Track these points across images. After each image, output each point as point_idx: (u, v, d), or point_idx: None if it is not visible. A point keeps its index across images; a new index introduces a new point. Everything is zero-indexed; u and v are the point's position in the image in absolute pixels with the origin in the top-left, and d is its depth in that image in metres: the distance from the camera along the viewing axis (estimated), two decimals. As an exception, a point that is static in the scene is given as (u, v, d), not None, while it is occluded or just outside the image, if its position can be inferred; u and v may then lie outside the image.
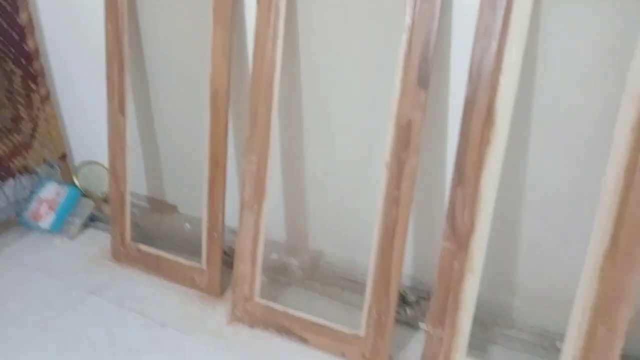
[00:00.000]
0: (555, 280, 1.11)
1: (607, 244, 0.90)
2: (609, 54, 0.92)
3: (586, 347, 0.94)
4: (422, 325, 1.18)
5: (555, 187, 1.06)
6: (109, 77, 1.38)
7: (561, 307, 0.98)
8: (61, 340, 1.22)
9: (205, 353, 1.18)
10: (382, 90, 1.05)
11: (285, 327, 1.21)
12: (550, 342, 1.10)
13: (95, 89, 1.48)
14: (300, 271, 1.36)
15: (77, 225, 1.61)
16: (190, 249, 1.42)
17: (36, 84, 1.60)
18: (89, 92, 1.56)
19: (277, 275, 1.37)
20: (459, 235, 1.00)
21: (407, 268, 1.28)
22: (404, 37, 0.99)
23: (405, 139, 1.02)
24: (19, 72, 1.55)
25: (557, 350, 0.99)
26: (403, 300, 1.23)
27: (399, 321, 1.18)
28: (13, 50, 1.52)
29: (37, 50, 1.57)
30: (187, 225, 1.50)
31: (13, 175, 1.61)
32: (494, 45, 0.93)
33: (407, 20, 0.98)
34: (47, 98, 1.63)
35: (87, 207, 1.65)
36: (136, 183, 1.53)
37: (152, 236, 1.52)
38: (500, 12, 0.91)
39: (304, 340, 1.19)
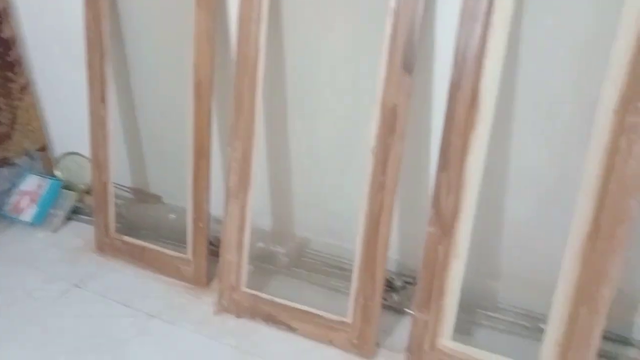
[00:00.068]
0: (539, 263, 1.12)
1: (589, 226, 0.92)
2: (592, 36, 0.93)
3: (569, 328, 0.96)
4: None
5: (538, 171, 1.07)
6: (89, 66, 1.36)
7: (544, 289, 0.99)
8: (45, 332, 1.21)
9: (192, 343, 1.17)
10: (368, 75, 1.04)
11: (272, 316, 1.21)
12: (533, 324, 1.12)
13: (75, 78, 1.45)
14: (287, 259, 1.35)
15: (59, 218, 1.59)
16: (176, 239, 1.41)
17: (14, 73, 1.56)
18: (70, 82, 1.53)
19: (264, 264, 1.37)
20: (444, 220, 1.01)
21: (393, 253, 1.28)
22: (389, 21, 0.98)
23: (391, 124, 1.02)
24: (-5, 61, 1.51)
25: (541, 332, 1.00)
26: (389, 285, 1.23)
27: (385, 307, 1.18)
28: (-11, 39, 1.49)
29: (14, 39, 1.53)
30: (172, 215, 1.49)
31: (-8, 168, 1.58)
32: (478, 29, 0.92)
33: (392, 3, 0.97)
34: (26, 88, 1.60)
35: (70, 199, 1.62)
36: (119, 174, 1.50)
37: (136, 227, 1.50)
38: (485, -4, 0.91)
39: (291, 329, 1.19)
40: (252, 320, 1.23)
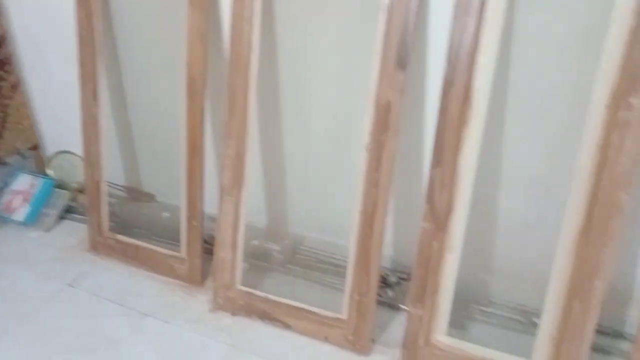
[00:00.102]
0: (532, 258, 1.13)
1: (582, 220, 0.92)
2: (584, 32, 0.94)
3: (562, 321, 0.96)
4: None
5: (531, 166, 1.07)
6: (81, 64, 1.35)
7: (538, 284, 1.00)
8: (39, 332, 1.20)
9: (187, 341, 1.17)
10: (361, 72, 1.04)
11: (267, 313, 1.21)
12: (527, 318, 1.12)
13: (67, 76, 1.43)
14: (281, 256, 1.35)
15: (52, 217, 1.58)
16: (170, 237, 1.40)
17: (4, 71, 1.54)
18: (61, 80, 1.51)
19: (258, 261, 1.37)
20: (438, 216, 1.01)
21: (388, 250, 1.29)
22: (382, 17, 0.98)
23: (385, 121, 1.02)
24: (-15, 59, 1.50)
25: (535, 326, 1.01)
26: (384, 281, 1.24)
27: (380, 303, 1.18)
28: (-22, 37, 1.47)
29: (4, 36, 1.52)
30: (166, 213, 1.48)
31: (-17, 167, 1.57)
32: (471, 25, 0.93)
33: (386, 0, 0.97)
34: (16, 86, 1.58)
35: (63, 198, 1.61)
36: (112, 172, 1.49)
37: (130, 226, 1.50)
38: (477, -9, 0.91)
39: (286, 326, 1.19)
40: (247, 317, 1.23)
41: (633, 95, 0.85)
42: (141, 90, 1.44)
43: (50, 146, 1.70)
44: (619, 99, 0.86)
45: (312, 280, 1.32)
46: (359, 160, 1.05)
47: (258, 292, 1.23)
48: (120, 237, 1.43)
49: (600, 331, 1.05)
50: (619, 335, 1.10)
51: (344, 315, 1.13)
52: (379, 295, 1.14)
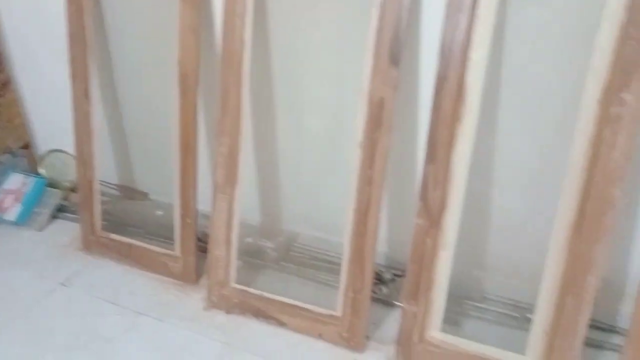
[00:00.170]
0: (526, 254, 1.13)
1: (574, 216, 0.93)
2: (576, 27, 0.94)
3: (555, 317, 0.97)
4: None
5: (525, 162, 1.08)
6: (72, 61, 1.33)
7: (532, 279, 1.00)
8: (33, 331, 1.19)
9: (181, 339, 1.17)
10: (354, 69, 1.04)
11: (262, 311, 1.21)
12: (521, 314, 1.13)
13: (58, 74, 1.42)
14: (276, 254, 1.35)
15: (45, 216, 1.56)
16: (164, 236, 1.39)
17: (-5, 69, 1.53)
18: (52, 77, 1.50)
19: (253, 259, 1.36)
20: (431, 212, 1.01)
21: (382, 246, 1.29)
22: (375, 13, 0.98)
23: (378, 118, 1.02)
24: (-25, 56, 1.49)
25: (529, 321, 1.01)
26: (379, 278, 1.24)
27: (375, 299, 1.18)
28: (-32, 34, 1.45)
29: (-6, 34, 1.50)
30: (159, 212, 1.47)
31: (-26, 166, 1.55)
32: (464, 20, 0.92)
33: (378, -5, 0.97)
34: (7, 84, 1.56)
35: (55, 197, 1.60)
36: (105, 170, 1.48)
37: (123, 224, 1.49)
38: (470, -13, 0.91)
39: (281, 323, 1.19)
40: (241, 315, 1.22)
41: (625, 91, 0.86)
42: (133, 88, 1.42)
43: (42, 145, 1.68)
44: (611, 95, 0.87)
45: (306, 277, 1.32)
46: (352, 157, 1.05)
47: (252, 290, 1.22)
48: (113, 235, 1.42)
49: (593, 326, 1.05)
50: (611, 329, 1.11)
51: (338, 312, 1.13)
52: (374, 292, 1.15)
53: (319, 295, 1.21)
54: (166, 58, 1.21)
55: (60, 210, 1.60)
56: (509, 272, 1.17)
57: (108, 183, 1.56)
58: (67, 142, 1.47)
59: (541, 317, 0.99)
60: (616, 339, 1.09)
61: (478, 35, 0.93)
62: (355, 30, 1.06)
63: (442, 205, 1.00)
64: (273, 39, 1.17)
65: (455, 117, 0.96)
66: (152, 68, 1.36)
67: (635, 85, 0.85)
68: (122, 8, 1.33)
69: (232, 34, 1.11)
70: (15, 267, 1.40)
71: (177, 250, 1.32)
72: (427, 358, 1.07)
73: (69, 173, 1.58)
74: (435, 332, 1.06)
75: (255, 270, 1.35)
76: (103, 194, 1.47)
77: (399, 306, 1.09)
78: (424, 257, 1.03)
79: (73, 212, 1.57)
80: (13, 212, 1.55)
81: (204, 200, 1.26)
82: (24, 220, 1.55)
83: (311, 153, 1.27)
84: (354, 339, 1.12)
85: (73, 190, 1.59)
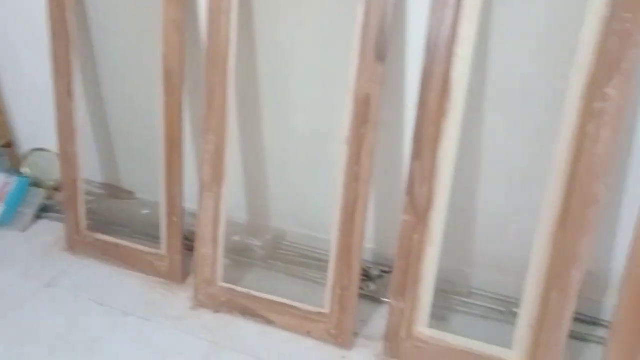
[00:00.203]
0: (512, 248, 1.14)
1: (559, 211, 0.93)
2: (561, 23, 0.94)
3: (541, 311, 0.98)
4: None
5: (511, 157, 1.08)
6: (54, 58, 1.31)
7: (518, 274, 1.01)
8: (18, 332, 1.17)
9: (168, 338, 1.16)
10: (340, 65, 1.04)
11: (250, 309, 1.20)
12: (508, 308, 1.13)
13: (40, 71, 1.40)
14: (263, 251, 1.34)
15: (28, 216, 1.54)
16: (150, 234, 1.38)
17: (-25, 66, 1.50)
18: (35, 75, 1.48)
19: (240, 257, 1.35)
20: (418, 209, 1.01)
21: (370, 243, 1.29)
22: (361, 9, 0.97)
23: (364, 114, 1.01)
24: (-46, 53, 1.45)
25: (515, 315, 1.02)
26: (366, 275, 1.24)
27: (363, 296, 1.18)
28: (-54, 30, 1.42)
29: (-26, 30, 1.47)
30: (146, 210, 1.46)
31: (-45, 166, 1.52)
32: (449, 16, 0.92)
33: (363, -9, 0.96)
34: (-12, 82, 1.54)
35: (38, 196, 1.57)
36: (89, 169, 1.46)
37: (109, 224, 1.47)
38: (455, -18, 0.91)
39: (269, 322, 1.18)
40: (229, 314, 1.21)
41: (608, 86, 0.86)
42: (118, 85, 1.41)
43: (25, 143, 1.65)
44: (594, 90, 0.87)
45: (294, 275, 1.31)
46: (339, 154, 1.04)
47: (240, 288, 1.21)
48: (98, 235, 1.40)
49: (578, 319, 1.06)
50: (595, 322, 1.12)
51: (326, 310, 1.13)
52: (361, 288, 1.14)
53: (307, 293, 1.21)
54: (151, 54, 1.20)
55: (44, 210, 1.58)
56: (496, 267, 1.18)
57: (93, 182, 1.53)
58: (51, 141, 1.44)
59: (527, 312, 0.99)
60: (600, 332, 1.10)
61: (463, 30, 0.93)
62: (341, 26, 1.05)
63: (429, 201, 1.00)
64: (259, 36, 1.17)
65: (441, 113, 0.96)
66: (137, 65, 1.34)
67: (618, 80, 0.86)
68: (105, 4, 1.31)
69: (217, 31, 1.10)
70: (-1, 267, 1.38)
71: (163, 249, 1.31)
72: (414, 354, 1.07)
73: (53, 172, 1.55)
74: (423, 328, 1.06)
75: (242, 268, 1.34)
76: (88, 193, 1.45)
77: (387, 302, 1.09)
78: (411, 253, 1.03)
79: (57, 212, 1.55)
80: (-4, 213, 1.53)
81: (190, 199, 1.25)
82: (7, 220, 1.52)
83: (298, 150, 1.27)
84: (342, 336, 1.12)
85: (57, 189, 1.56)
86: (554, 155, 0.92)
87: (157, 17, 1.15)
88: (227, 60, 1.11)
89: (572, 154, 0.91)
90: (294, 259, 1.34)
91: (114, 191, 1.56)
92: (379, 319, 1.18)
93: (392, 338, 1.08)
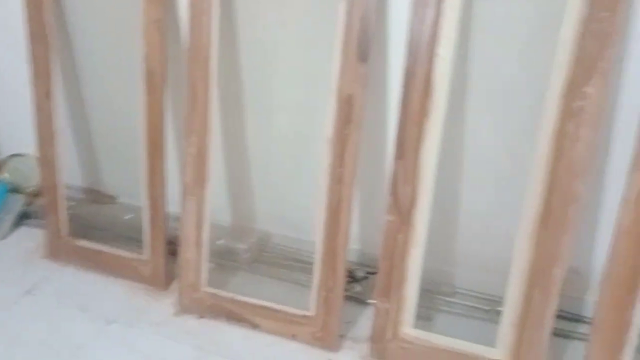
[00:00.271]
0: (495, 247, 1.14)
1: (540, 209, 0.94)
2: (541, 22, 0.95)
3: (523, 309, 0.98)
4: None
5: (493, 156, 1.09)
6: (33, 60, 1.29)
7: (501, 272, 1.01)
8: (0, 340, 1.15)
9: (152, 345, 1.14)
10: (323, 65, 1.03)
11: (235, 314, 1.19)
12: (492, 307, 1.14)
13: (18, 73, 1.36)
14: (248, 255, 1.33)
15: (7, 223, 1.50)
16: (134, 239, 1.36)
17: (-50, 69, 1.47)
18: (12, 77, 1.45)
19: (225, 261, 1.34)
20: (402, 208, 1.01)
21: (355, 244, 1.28)
22: (343, 8, 0.97)
23: (347, 115, 1.01)
24: None
25: (499, 314, 1.03)
26: (352, 276, 1.23)
27: (348, 298, 1.18)
28: None
29: (-51, 33, 1.44)
30: (128, 215, 1.44)
31: None
32: (430, 15, 0.93)
33: (345, -9, 0.96)
34: (-36, 85, 1.51)
35: (18, 202, 1.53)
36: (70, 173, 1.44)
37: (91, 229, 1.44)
38: (436, -18, 0.91)
39: (254, 326, 1.17)
40: (214, 319, 1.20)
41: (587, 85, 0.87)
42: (98, 87, 1.39)
43: (3, 147, 1.62)
44: (573, 89, 0.88)
45: (279, 277, 1.30)
46: (322, 154, 1.04)
47: (224, 293, 1.20)
48: (80, 241, 1.37)
49: (561, 316, 1.07)
50: (578, 319, 1.13)
51: (311, 312, 1.12)
52: (347, 290, 1.14)
53: (292, 296, 1.20)
54: (131, 55, 1.18)
55: (24, 217, 1.54)
56: (479, 266, 1.19)
57: (74, 186, 1.51)
58: (30, 144, 1.41)
59: (510, 310, 1.00)
60: (583, 328, 1.11)
61: (444, 30, 0.93)
62: (324, 26, 1.05)
63: (412, 201, 1.00)
64: (241, 36, 1.16)
65: (423, 113, 0.97)
66: (117, 66, 1.32)
67: (597, 79, 0.87)
68: (84, 4, 1.29)
69: (198, 31, 1.09)
70: (-24, 276, 1.35)
71: (146, 254, 1.29)
72: (400, 354, 1.07)
73: (33, 177, 1.52)
74: (408, 329, 1.06)
75: (227, 272, 1.33)
76: (69, 198, 1.42)
77: (372, 304, 1.09)
78: (395, 253, 1.03)
79: (38, 218, 1.51)
80: (-27, 220, 1.49)
81: (174, 202, 1.24)
82: (-15, 227, 1.49)
83: (281, 151, 1.26)
84: (328, 339, 1.11)
85: (37, 195, 1.53)
86: (534, 154, 0.93)
87: (137, 17, 1.13)
88: (209, 61, 1.10)
89: (552, 152, 0.92)
90: (279, 261, 1.33)
91: (96, 196, 1.53)
92: (364, 321, 1.17)
93: (378, 339, 1.08)
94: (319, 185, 1.06)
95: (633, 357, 0.93)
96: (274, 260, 1.33)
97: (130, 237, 1.38)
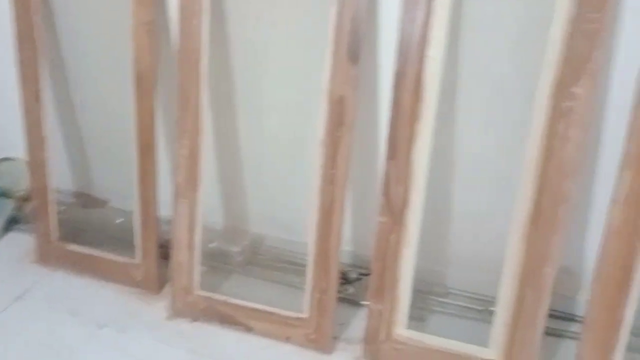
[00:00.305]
0: (488, 248, 1.15)
1: (531, 209, 0.95)
2: (531, 22, 0.95)
3: (516, 309, 0.99)
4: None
5: (484, 157, 1.09)
6: (21, 63, 1.27)
7: (494, 272, 1.01)
8: (-15, 349, 1.13)
9: (145, 349, 1.13)
10: (315, 66, 1.03)
11: (228, 317, 1.18)
12: (484, 307, 1.14)
13: (6, 77, 1.35)
14: (241, 257, 1.33)
15: (-4, 228, 1.49)
16: (125, 243, 1.34)
17: (-63, 73, 1.45)
18: (0, 80, 1.42)
19: (218, 264, 1.33)
20: (394, 209, 1.01)
21: (348, 245, 1.28)
22: (334, 10, 0.97)
23: (339, 116, 1.01)
24: None
25: (491, 314, 1.03)
26: (345, 278, 1.23)
27: (341, 299, 1.18)
28: None
29: None
30: (120, 219, 1.43)
31: None
32: (420, 15, 0.93)
33: (336, -8, 0.96)
34: (-49, 89, 1.48)
35: (7, 207, 1.52)
36: (60, 177, 1.42)
37: (82, 233, 1.43)
38: (425, -18, 0.91)
39: (248, 329, 1.16)
40: (207, 322, 1.19)
41: (576, 85, 0.88)
42: (88, 89, 1.37)
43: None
44: (562, 89, 0.89)
45: (273, 280, 1.30)
46: (315, 156, 1.04)
47: (218, 296, 1.19)
48: (71, 245, 1.36)
49: (553, 315, 1.08)
50: (570, 318, 1.14)
51: (305, 314, 1.12)
52: (340, 292, 1.14)
53: (286, 298, 1.20)
54: (121, 57, 1.17)
55: (13, 222, 1.52)
56: (472, 266, 1.19)
57: (64, 191, 1.49)
58: (19, 148, 1.40)
59: (502, 310, 1.00)
60: (575, 327, 1.12)
61: (435, 30, 0.93)
62: (315, 28, 1.05)
63: (404, 201, 1.01)
64: (232, 38, 1.15)
65: (414, 113, 0.97)
66: (108, 68, 1.31)
67: (585, 80, 0.88)
68: (73, 5, 1.28)
69: (189, 33, 1.08)
70: (-36, 282, 1.33)
71: (138, 258, 1.28)
72: (394, 355, 1.07)
73: (22, 181, 1.51)
74: (401, 329, 1.06)
75: (220, 275, 1.32)
76: (59, 202, 1.40)
77: (366, 305, 1.09)
78: (388, 254, 1.03)
79: (27, 223, 1.49)
80: (-39, 225, 1.47)
81: (166, 205, 1.23)
82: (-26, 233, 1.48)
83: (273, 153, 1.26)
84: (322, 341, 1.11)
85: (27, 199, 1.51)
86: (524, 154, 0.94)
87: (127, 20, 1.13)
88: (200, 63, 1.09)
89: (542, 152, 0.92)
90: (272, 264, 1.32)
91: (86, 200, 1.52)
92: (358, 322, 1.17)
93: (372, 341, 1.08)
94: (311, 186, 1.06)
95: (624, 356, 0.94)
96: (267, 262, 1.33)
97: (121, 241, 1.37)
